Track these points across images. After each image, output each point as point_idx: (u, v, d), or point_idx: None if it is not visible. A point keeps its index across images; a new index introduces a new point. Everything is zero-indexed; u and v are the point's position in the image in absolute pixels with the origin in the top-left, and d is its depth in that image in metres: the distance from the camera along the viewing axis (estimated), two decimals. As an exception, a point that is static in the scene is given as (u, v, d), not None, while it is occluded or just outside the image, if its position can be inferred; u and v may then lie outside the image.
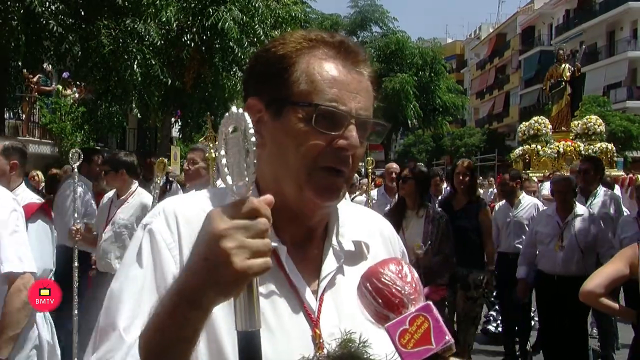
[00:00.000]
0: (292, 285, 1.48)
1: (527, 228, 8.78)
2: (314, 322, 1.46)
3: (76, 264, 6.22)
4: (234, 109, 1.21)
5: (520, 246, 8.64)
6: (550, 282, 7.50)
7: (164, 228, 1.46)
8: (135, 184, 7.00)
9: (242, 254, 1.13)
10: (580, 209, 7.57)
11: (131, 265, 1.45)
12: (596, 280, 4.17)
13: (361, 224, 1.66)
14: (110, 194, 7.13)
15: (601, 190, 8.87)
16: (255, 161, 1.17)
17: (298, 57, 1.49)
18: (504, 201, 9.59)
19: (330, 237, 1.58)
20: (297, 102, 1.45)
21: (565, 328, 7.27)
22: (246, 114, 1.18)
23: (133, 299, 1.39)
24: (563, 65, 22.17)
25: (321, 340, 1.44)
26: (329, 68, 1.48)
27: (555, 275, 7.43)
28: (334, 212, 1.61)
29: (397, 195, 7.48)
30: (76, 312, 6.18)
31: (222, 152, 1.21)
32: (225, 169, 1.20)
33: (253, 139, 1.16)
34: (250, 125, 1.17)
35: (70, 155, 6.32)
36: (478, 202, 8.19)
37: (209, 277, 1.16)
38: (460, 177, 7.86)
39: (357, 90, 1.49)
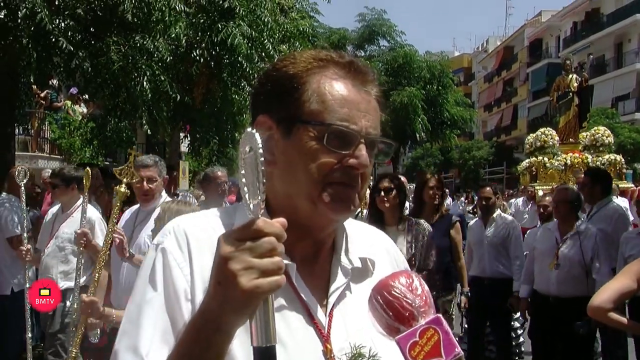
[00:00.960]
0: (302, 302, 1.51)
1: (501, 249, 8.19)
2: (324, 337, 1.49)
3: (27, 285, 6.13)
4: (248, 128, 1.24)
5: (503, 269, 8.13)
6: (545, 304, 7.05)
7: (174, 247, 1.49)
8: (80, 199, 6.70)
9: (249, 274, 1.17)
10: (582, 225, 7.06)
11: (146, 286, 1.48)
12: (604, 295, 4.16)
13: (366, 241, 1.69)
14: (55, 208, 7.04)
15: (609, 203, 8.14)
16: (264, 180, 1.19)
17: (308, 76, 1.51)
18: (477, 219, 8.77)
19: (338, 253, 1.61)
20: (308, 121, 1.48)
21: (559, 353, 6.87)
22: (257, 134, 1.21)
23: (151, 323, 1.43)
24: (570, 76, 21.83)
25: (332, 355, 1.47)
26: (340, 88, 1.51)
27: (550, 296, 6.98)
28: (341, 228, 1.64)
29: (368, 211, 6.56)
30: (30, 335, 6.22)
31: (242, 172, 1.24)
32: (245, 188, 1.23)
33: (262, 158, 1.19)
34: (260, 144, 1.20)
35: (17, 173, 6.18)
36: (446, 218, 7.57)
37: (223, 299, 1.20)
38: (434, 191, 7.34)
39: (366, 110, 1.52)
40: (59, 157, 21.97)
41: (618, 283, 4.22)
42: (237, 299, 1.18)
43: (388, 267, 1.68)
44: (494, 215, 8.40)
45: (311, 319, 1.50)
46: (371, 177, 7.09)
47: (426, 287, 1.39)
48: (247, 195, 1.23)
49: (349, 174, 1.49)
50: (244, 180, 1.23)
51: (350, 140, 1.48)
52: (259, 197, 1.20)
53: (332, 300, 1.54)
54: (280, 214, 1.26)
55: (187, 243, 1.49)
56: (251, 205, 1.22)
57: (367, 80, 1.56)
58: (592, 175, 8.40)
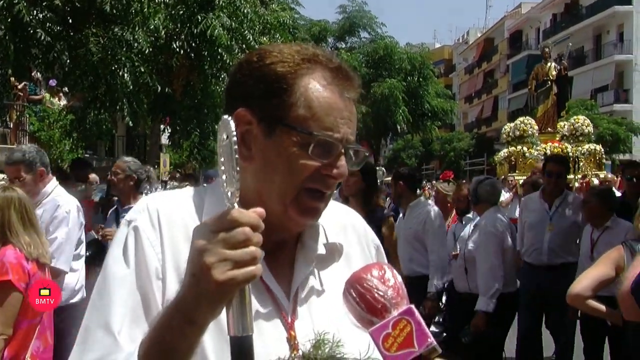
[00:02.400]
0: (268, 289, 1.51)
1: (416, 242, 6.90)
2: (288, 324, 1.50)
3: None
4: (225, 116, 1.24)
5: (416, 267, 6.90)
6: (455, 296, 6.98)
7: (147, 226, 1.50)
8: None
9: (222, 266, 1.17)
10: (470, 216, 6.76)
11: (117, 263, 1.48)
12: (583, 283, 4.20)
13: (333, 220, 1.69)
14: None
15: (569, 194, 7.38)
16: (237, 169, 1.20)
17: (297, 78, 1.50)
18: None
19: (302, 242, 1.61)
20: (294, 127, 1.47)
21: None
22: (231, 122, 1.21)
23: (122, 300, 1.43)
24: (549, 64, 21.55)
25: (296, 342, 1.48)
26: (327, 94, 1.50)
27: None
28: None
29: None
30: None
31: (221, 159, 1.24)
32: (223, 176, 1.23)
33: (236, 146, 1.19)
34: (234, 132, 1.20)
35: None
36: (377, 212, 6.26)
37: (197, 291, 1.20)
38: (345, 179, 6.14)
39: (348, 117, 1.53)
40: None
41: (596, 271, 4.25)
42: (211, 291, 1.18)
43: (356, 245, 1.71)
44: (410, 204, 7.02)
45: (276, 306, 1.51)
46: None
47: (399, 278, 1.40)
48: (224, 184, 1.22)
49: (326, 182, 1.51)
50: (222, 167, 1.23)
51: (333, 149, 1.49)
52: (234, 186, 1.21)
53: (295, 288, 1.55)
54: (249, 208, 1.25)
55: (159, 222, 1.50)
56: (229, 193, 1.21)
57: (351, 87, 1.56)
58: (566, 164, 7.56)
